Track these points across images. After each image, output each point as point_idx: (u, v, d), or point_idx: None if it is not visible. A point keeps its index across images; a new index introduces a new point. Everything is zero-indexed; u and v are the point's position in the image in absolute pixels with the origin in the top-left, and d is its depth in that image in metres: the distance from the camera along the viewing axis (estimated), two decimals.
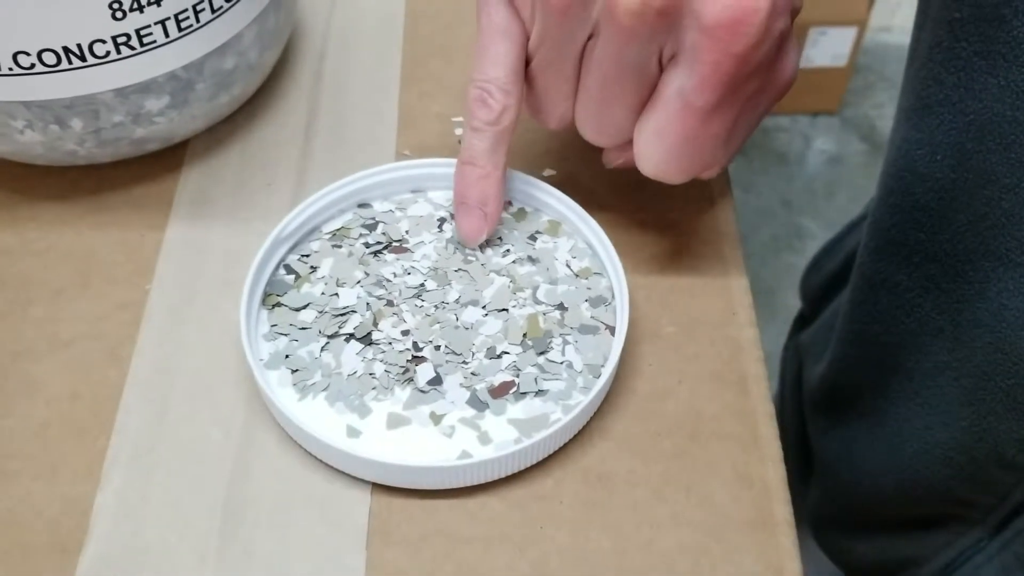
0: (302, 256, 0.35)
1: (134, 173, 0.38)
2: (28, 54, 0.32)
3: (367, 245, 0.35)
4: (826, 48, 1.43)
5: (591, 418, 0.32)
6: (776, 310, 1.32)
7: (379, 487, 0.30)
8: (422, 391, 0.32)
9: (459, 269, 0.34)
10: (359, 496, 0.30)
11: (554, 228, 0.36)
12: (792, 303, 1.43)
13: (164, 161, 0.39)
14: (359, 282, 0.34)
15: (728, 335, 0.34)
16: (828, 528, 0.46)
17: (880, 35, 1.64)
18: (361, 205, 0.36)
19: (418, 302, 0.33)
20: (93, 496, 0.30)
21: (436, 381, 0.32)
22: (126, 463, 0.31)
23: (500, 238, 0.35)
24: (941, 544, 0.39)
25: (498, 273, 0.34)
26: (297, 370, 0.32)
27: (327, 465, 0.31)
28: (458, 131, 0.40)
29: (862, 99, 1.57)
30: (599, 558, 0.29)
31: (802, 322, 0.55)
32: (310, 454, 0.31)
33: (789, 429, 0.50)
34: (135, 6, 0.33)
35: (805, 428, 0.48)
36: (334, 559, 0.29)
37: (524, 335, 0.33)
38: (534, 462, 0.31)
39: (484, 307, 0.33)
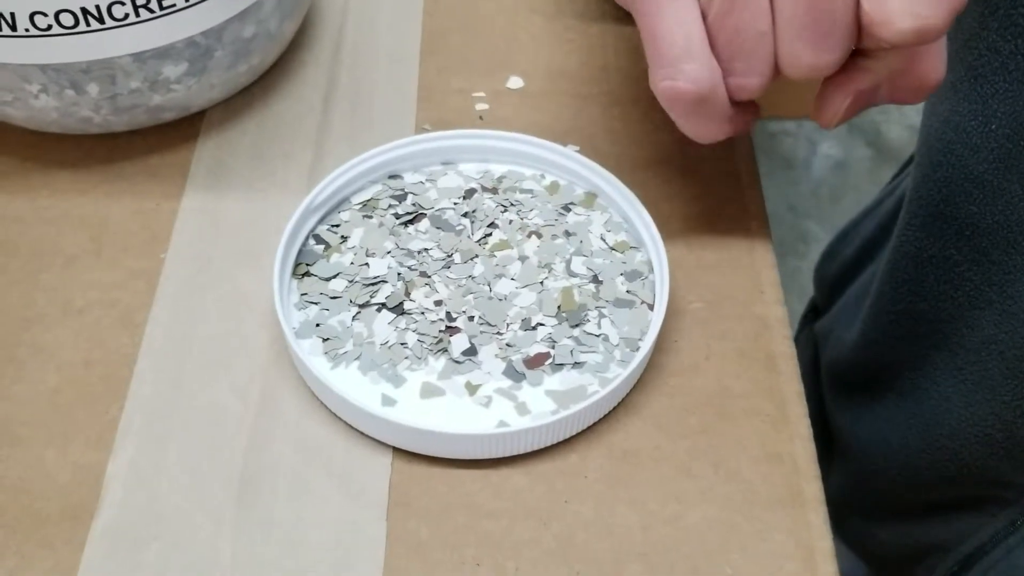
0: (332, 226, 0.34)
1: (150, 142, 0.38)
2: (45, 15, 0.32)
3: (397, 216, 0.34)
4: None
5: None
6: None
7: (400, 458, 0.30)
8: (457, 361, 0.31)
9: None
10: (380, 466, 0.30)
11: (589, 200, 0.35)
12: (797, 308, 1.42)
13: (180, 131, 0.38)
14: (389, 252, 0.33)
15: (756, 313, 0.34)
16: (850, 514, 0.45)
17: None
18: (392, 176, 0.36)
19: (450, 273, 0.33)
20: (105, 464, 0.29)
21: (471, 351, 0.31)
22: (139, 431, 0.30)
23: (532, 210, 0.35)
24: (972, 528, 0.38)
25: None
26: (328, 339, 0.31)
27: (346, 435, 0.30)
28: (479, 106, 0.39)
29: None
30: (625, 533, 0.29)
31: (814, 313, 0.54)
32: (329, 424, 0.30)
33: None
34: None
35: (823, 415, 0.47)
36: (354, 529, 0.28)
37: (559, 307, 0.32)
38: (573, 433, 0.30)
39: (516, 279, 0.33)
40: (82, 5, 0.32)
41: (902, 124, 1.53)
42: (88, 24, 0.32)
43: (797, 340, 0.55)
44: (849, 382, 0.45)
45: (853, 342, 0.43)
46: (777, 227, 1.42)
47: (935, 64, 0.28)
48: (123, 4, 0.32)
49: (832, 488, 0.46)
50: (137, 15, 0.33)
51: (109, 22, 0.32)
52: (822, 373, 0.48)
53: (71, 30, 0.32)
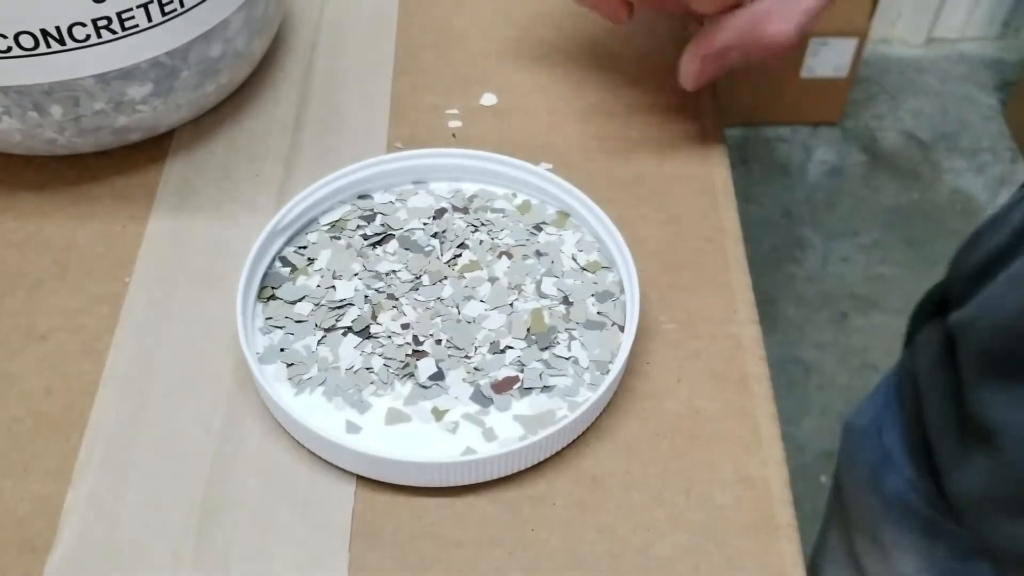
0: (299, 248, 0.34)
1: (117, 164, 0.37)
2: (5, 37, 0.31)
3: (365, 237, 0.34)
4: (827, 59, 1.42)
5: None
6: (776, 320, 1.30)
7: (363, 487, 0.29)
8: (423, 386, 0.30)
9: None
10: (343, 496, 0.29)
11: (561, 220, 0.35)
12: (793, 313, 1.41)
13: (148, 152, 0.38)
14: (356, 274, 0.33)
15: (729, 333, 0.33)
16: (991, 511, 0.43)
17: (881, 47, 1.63)
18: (361, 196, 0.35)
19: (418, 295, 0.32)
20: (65, 495, 0.29)
21: (438, 376, 0.30)
22: (100, 460, 0.30)
23: (503, 230, 0.34)
24: None
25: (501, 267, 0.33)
26: (293, 364, 0.31)
27: (310, 463, 0.29)
28: (452, 124, 0.39)
29: (863, 110, 1.56)
30: (593, 562, 0.28)
31: (943, 303, 0.51)
32: (293, 452, 0.30)
33: (935, 411, 0.47)
34: None
35: (961, 410, 0.45)
36: (315, 561, 0.28)
37: (528, 330, 0.31)
38: (541, 459, 0.30)
39: (486, 301, 0.32)
40: (42, 27, 0.31)
41: (896, 130, 1.52)
42: (49, 46, 0.32)
43: (920, 333, 0.52)
44: (1006, 371, 0.43)
45: (1015, 331, 0.41)
46: (772, 233, 1.41)
47: (780, 26, 0.32)
48: (84, 25, 0.32)
49: (974, 484, 0.44)
50: (99, 36, 0.32)
51: (70, 43, 0.32)
52: (961, 365, 0.46)
53: (31, 52, 0.32)
